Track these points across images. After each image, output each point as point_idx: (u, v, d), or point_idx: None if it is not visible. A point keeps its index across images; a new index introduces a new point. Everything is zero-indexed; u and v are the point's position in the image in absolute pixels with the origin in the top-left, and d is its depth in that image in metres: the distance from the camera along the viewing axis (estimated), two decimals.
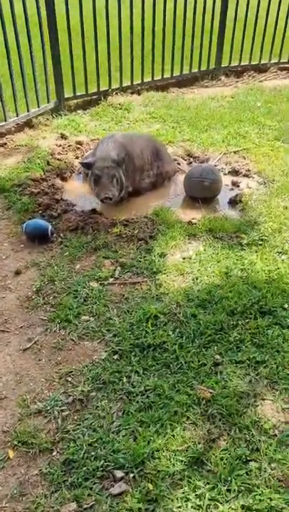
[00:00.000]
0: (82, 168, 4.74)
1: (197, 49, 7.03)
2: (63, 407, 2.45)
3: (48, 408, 2.44)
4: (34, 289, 3.20)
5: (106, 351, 2.75)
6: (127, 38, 6.29)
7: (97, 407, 2.44)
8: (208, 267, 3.40)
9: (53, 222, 3.89)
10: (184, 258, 3.53)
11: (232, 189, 4.50)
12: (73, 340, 2.84)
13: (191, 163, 5.00)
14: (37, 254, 3.57)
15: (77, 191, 4.54)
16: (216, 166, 4.76)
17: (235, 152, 5.10)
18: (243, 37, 7.23)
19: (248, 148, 5.15)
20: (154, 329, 2.88)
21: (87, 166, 4.14)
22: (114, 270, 3.39)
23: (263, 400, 2.48)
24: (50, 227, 3.69)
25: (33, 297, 3.15)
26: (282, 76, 7.73)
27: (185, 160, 5.01)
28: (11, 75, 5.20)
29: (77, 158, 4.98)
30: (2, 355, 2.75)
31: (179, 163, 4.89)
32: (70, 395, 2.51)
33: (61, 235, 3.78)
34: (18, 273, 3.36)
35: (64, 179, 4.66)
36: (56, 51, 5.69)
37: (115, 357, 2.72)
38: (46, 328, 2.92)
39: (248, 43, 7.32)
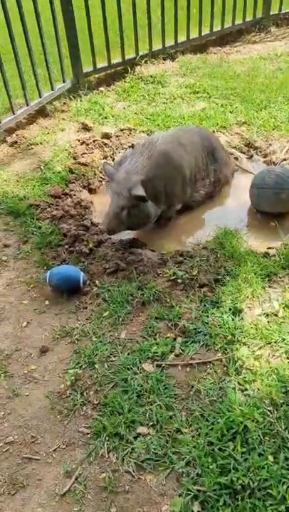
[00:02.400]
0: None
1: None
2: None
3: None
4: (68, 380, 2.32)
5: (180, 495, 1.89)
6: None
7: None
8: None
9: (85, 263, 2.96)
10: (266, 315, 2.57)
11: None
12: (130, 474, 1.98)
13: (252, 156, 3.90)
14: (67, 316, 2.68)
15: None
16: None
17: None
18: None
19: None
20: (246, 452, 1.98)
21: (107, 175, 3.17)
22: (174, 340, 2.47)
23: None
24: (82, 276, 2.76)
25: (68, 393, 2.28)
26: None
27: (243, 153, 3.90)
28: (14, 53, 4.09)
29: (105, 158, 3.94)
30: (32, 505, 1.92)
31: (236, 159, 3.80)
32: None
33: (96, 281, 2.86)
34: (44, 351, 2.48)
35: (92, 191, 3.67)
36: (69, 14, 4.50)
37: (195, 508, 1.85)
38: (90, 450, 2.07)
39: None
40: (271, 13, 6.09)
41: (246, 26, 6.02)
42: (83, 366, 2.39)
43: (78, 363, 2.40)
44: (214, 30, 5.73)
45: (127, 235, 3.24)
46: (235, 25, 5.90)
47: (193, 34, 5.58)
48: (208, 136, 3.48)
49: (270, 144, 3.91)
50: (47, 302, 2.77)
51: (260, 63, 5.26)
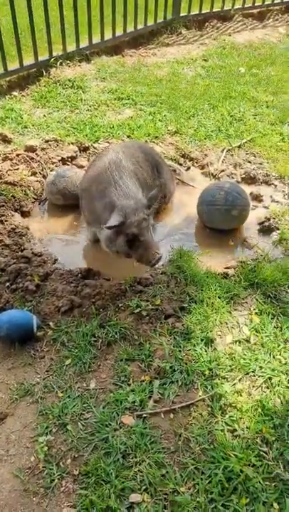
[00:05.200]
0: (46, 192, 3.37)
1: None
2: None
3: None
4: (40, 452, 1.99)
5: None
6: None
7: None
8: (279, 354, 2.39)
9: (33, 303, 2.60)
10: (239, 342, 2.48)
11: (254, 207, 3.42)
12: None
13: (189, 168, 3.79)
14: (23, 370, 2.31)
15: (48, 230, 3.21)
16: (233, 179, 3.60)
17: (239, 147, 3.96)
18: None
19: (253, 139, 4.04)
20: (249, 502, 1.86)
21: (118, 227, 2.60)
22: (150, 384, 2.26)
23: None
24: (34, 320, 2.40)
25: (41, 467, 1.96)
26: (249, 25, 6.49)
27: (181, 164, 3.78)
28: None
29: (34, 174, 3.54)
30: None
31: (175, 171, 3.66)
32: None
33: (50, 323, 2.52)
34: (3, 418, 2.11)
35: (25, 214, 3.27)
36: None
37: None
38: None
39: None
40: (181, 14, 6.07)
41: (158, 28, 5.92)
42: (53, 430, 2.08)
43: (47, 427, 2.08)
44: (128, 31, 5.53)
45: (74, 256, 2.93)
46: (147, 26, 5.76)
47: (108, 35, 5.33)
48: (151, 151, 3.27)
49: (206, 155, 3.84)
50: None
51: (178, 67, 5.19)
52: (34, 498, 1.88)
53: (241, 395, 2.23)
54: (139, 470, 1.95)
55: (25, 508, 1.85)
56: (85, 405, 2.17)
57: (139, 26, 5.66)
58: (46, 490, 1.90)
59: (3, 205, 3.18)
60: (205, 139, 4.02)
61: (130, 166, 2.79)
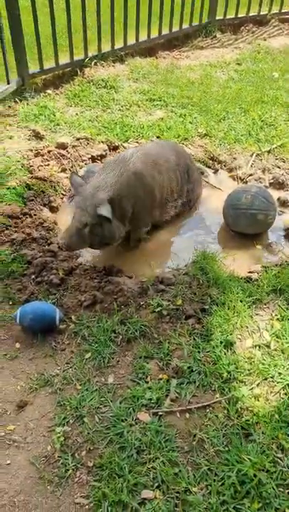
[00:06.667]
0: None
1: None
2: None
3: None
4: (57, 441, 2.03)
5: None
6: None
7: None
8: None
9: (57, 296, 2.65)
10: (259, 347, 2.46)
11: (281, 212, 3.39)
12: None
13: (217, 170, 3.79)
14: (44, 361, 2.36)
15: None
16: (261, 184, 3.57)
17: (269, 152, 3.93)
18: None
19: (283, 145, 4.00)
20: (261, 508, 1.85)
21: (73, 187, 2.88)
22: (168, 383, 2.27)
23: None
24: (58, 313, 2.45)
25: (57, 456, 2.00)
26: (286, 30, 6.44)
27: (209, 167, 3.79)
28: None
29: (64, 171, 3.61)
30: None
31: (203, 173, 3.67)
32: None
33: (72, 317, 2.57)
34: (22, 406, 2.16)
35: (54, 210, 3.34)
36: (15, 11, 4.07)
37: None
38: None
39: None
40: (217, 17, 6.07)
41: (193, 30, 5.94)
42: (70, 421, 2.11)
43: (64, 417, 2.12)
44: (163, 33, 5.57)
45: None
46: (182, 29, 5.79)
47: (142, 37, 5.38)
48: (183, 153, 3.29)
49: (235, 158, 3.83)
50: (18, 345, 2.43)
51: (211, 71, 5.19)
52: (48, 487, 1.91)
53: (258, 400, 2.22)
54: (152, 467, 1.97)
55: (40, 495, 1.89)
56: (102, 399, 2.20)
57: (175, 29, 5.69)
58: (61, 479, 1.93)
59: (32, 200, 3.26)
60: (234, 142, 4.01)
61: (137, 167, 2.87)
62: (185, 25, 5.79)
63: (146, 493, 1.90)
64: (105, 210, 2.68)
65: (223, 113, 4.36)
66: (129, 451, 2.01)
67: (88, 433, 2.07)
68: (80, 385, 2.25)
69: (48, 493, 1.90)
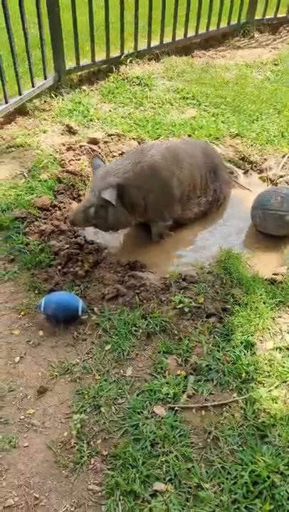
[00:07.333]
0: None
1: None
2: None
3: None
4: (73, 428, 2.07)
5: None
6: None
7: None
8: None
9: (81, 287, 2.70)
10: (279, 349, 2.44)
11: None
12: None
13: (247, 171, 3.76)
14: (65, 350, 2.42)
15: None
16: None
17: None
18: None
19: None
20: (273, 509, 1.84)
21: (92, 168, 3.09)
22: (186, 379, 2.28)
23: None
24: (81, 304, 2.50)
25: (73, 442, 2.04)
26: None
27: (239, 167, 3.76)
28: None
29: None
30: None
31: (232, 173, 3.65)
32: None
33: (94, 308, 2.61)
34: (42, 392, 2.22)
35: None
36: (55, 8, 4.16)
37: None
38: None
39: None
40: (255, 17, 6.00)
41: (230, 30, 5.89)
42: (88, 410, 2.16)
43: (82, 406, 2.16)
44: (199, 32, 5.55)
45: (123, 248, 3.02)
46: (220, 29, 5.75)
47: (179, 35, 5.38)
48: (212, 152, 3.28)
49: (266, 159, 3.79)
50: (41, 333, 2.50)
51: (247, 71, 5.14)
52: (63, 471, 1.96)
53: (276, 402, 2.20)
54: (165, 460, 1.99)
55: (55, 479, 1.94)
56: (120, 390, 2.23)
57: (212, 28, 5.66)
58: (75, 465, 1.98)
59: (62, 193, 3.33)
60: (266, 143, 3.97)
61: (156, 160, 2.92)
62: (223, 25, 5.75)
63: (159, 486, 1.92)
64: (108, 194, 2.79)
65: (257, 114, 4.31)
66: (143, 443, 2.04)
67: (104, 422, 2.11)
68: (99, 375, 2.30)
69: (63, 477, 1.95)
